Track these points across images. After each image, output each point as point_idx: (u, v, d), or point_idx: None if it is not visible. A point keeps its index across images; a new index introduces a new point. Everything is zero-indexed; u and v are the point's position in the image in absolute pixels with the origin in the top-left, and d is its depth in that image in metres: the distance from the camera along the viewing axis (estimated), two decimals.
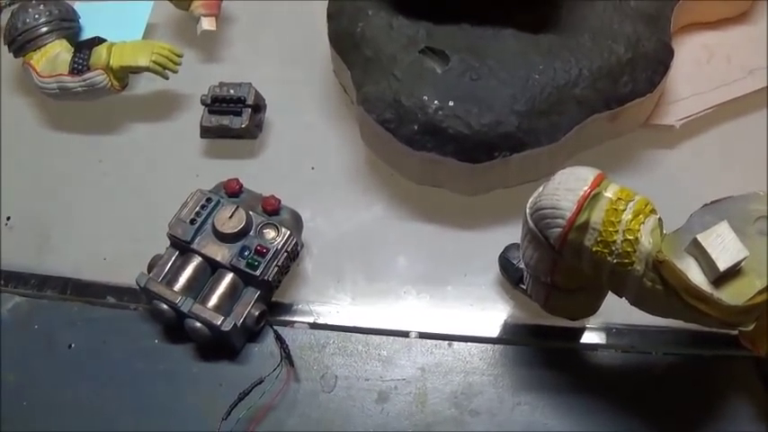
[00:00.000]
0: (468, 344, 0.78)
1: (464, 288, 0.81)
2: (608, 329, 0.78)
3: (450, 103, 0.77)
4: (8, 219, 0.90)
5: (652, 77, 0.82)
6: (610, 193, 0.62)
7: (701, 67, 0.91)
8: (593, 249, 0.61)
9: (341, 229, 0.85)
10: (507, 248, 0.79)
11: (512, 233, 0.76)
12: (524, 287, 0.76)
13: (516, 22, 0.82)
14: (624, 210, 0.61)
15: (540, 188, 0.65)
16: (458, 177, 0.81)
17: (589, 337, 0.78)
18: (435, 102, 0.77)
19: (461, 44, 0.81)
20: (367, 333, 0.79)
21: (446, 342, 0.78)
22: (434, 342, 0.78)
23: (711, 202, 0.65)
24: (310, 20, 0.94)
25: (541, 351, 0.78)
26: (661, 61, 0.82)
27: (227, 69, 0.97)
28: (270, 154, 0.91)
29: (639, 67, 0.81)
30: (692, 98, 0.89)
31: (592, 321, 0.77)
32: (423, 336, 0.79)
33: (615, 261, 0.61)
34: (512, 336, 0.78)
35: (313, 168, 0.89)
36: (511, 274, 0.78)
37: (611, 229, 0.61)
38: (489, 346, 0.78)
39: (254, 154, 0.91)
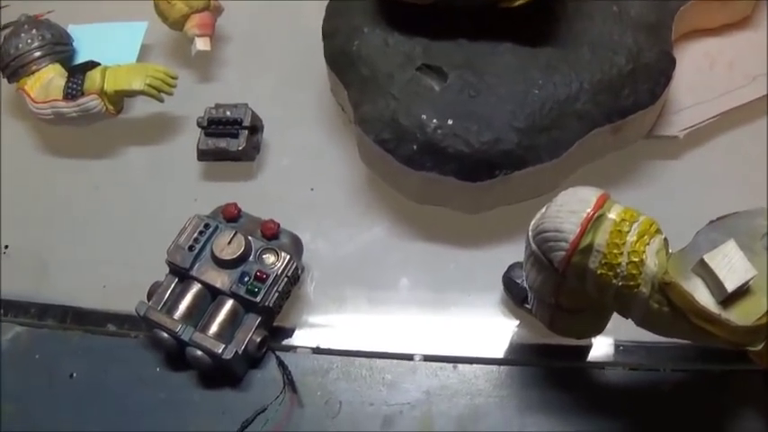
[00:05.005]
0: (474, 366, 0.77)
1: (468, 308, 0.80)
2: (615, 347, 0.77)
3: (449, 122, 0.76)
4: (6, 247, 0.89)
5: (654, 89, 0.80)
6: (613, 214, 0.61)
7: (703, 75, 0.90)
8: (598, 272, 0.60)
9: (342, 250, 0.84)
10: (511, 267, 0.77)
11: (516, 251, 0.74)
12: (529, 306, 0.75)
13: (514, 36, 0.81)
14: (628, 231, 0.60)
15: (543, 209, 0.64)
16: (459, 196, 0.80)
17: (596, 356, 0.77)
18: (434, 120, 0.76)
19: (459, 60, 0.80)
20: (370, 357, 0.78)
21: (451, 364, 0.77)
22: (439, 365, 0.77)
23: (717, 219, 0.65)
24: (307, 38, 0.92)
25: (547, 371, 0.76)
26: (663, 72, 0.81)
27: (223, 89, 0.96)
28: (268, 175, 0.91)
29: (641, 78, 0.80)
30: (696, 107, 0.88)
31: (598, 339, 0.76)
32: (427, 358, 0.78)
33: (620, 283, 0.60)
34: (517, 356, 0.77)
35: (312, 189, 0.89)
36: (515, 294, 0.77)
37: (615, 251, 0.60)
38: (495, 367, 0.77)
39: (252, 176, 0.90)
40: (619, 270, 0.60)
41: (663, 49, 0.82)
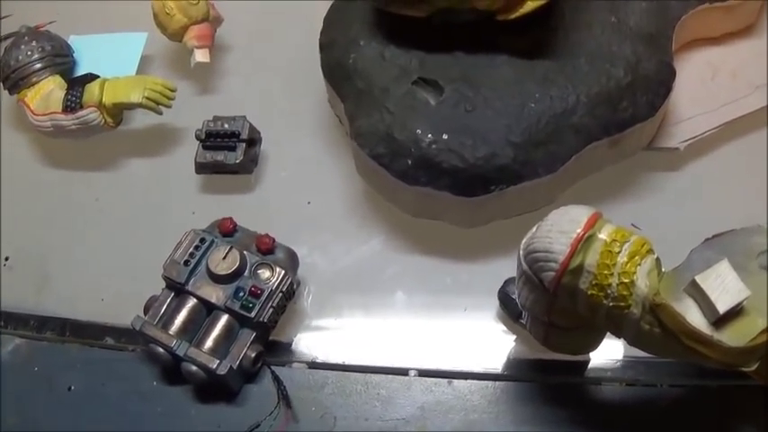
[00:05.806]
0: (469, 381, 0.76)
1: (464, 323, 0.80)
2: (612, 362, 0.76)
3: (444, 137, 0.76)
4: (6, 259, 0.89)
5: (653, 101, 0.79)
6: (604, 234, 0.60)
7: (705, 85, 0.89)
8: (589, 292, 0.60)
9: (338, 264, 0.84)
10: (506, 283, 0.77)
11: (511, 265, 0.73)
12: (524, 322, 0.74)
13: (511, 49, 0.80)
14: (619, 252, 0.59)
15: (534, 229, 0.64)
16: (455, 210, 0.80)
17: (592, 371, 0.76)
18: (429, 135, 0.76)
19: (455, 73, 0.79)
20: (366, 372, 0.78)
21: (446, 380, 0.77)
22: (434, 380, 0.77)
23: (712, 237, 0.64)
24: (306, 50, 0.91)
25: (543, 386, 0.76)
26: (662, 83, 0.80)
27: (221, 101, 0.96)
28: (266, 189, 0.90)
29: (640, 90, 0.79)
30: (697, 118, 0.86)
31: (594, 354, 0.75)
32: (422, 374, 0.77)
33: (611, 304, 0.60)
34: (513, 371, 0.77)
35: (309, 203, 0.88)
36: (511, 309, 0.76)
37: (605, 272, 0.59)
38: (490, 383, 0.76)
39: (249, 189, 0.90)
40: (609, 291, 0.59)
41: (663, 59, 0.81)
